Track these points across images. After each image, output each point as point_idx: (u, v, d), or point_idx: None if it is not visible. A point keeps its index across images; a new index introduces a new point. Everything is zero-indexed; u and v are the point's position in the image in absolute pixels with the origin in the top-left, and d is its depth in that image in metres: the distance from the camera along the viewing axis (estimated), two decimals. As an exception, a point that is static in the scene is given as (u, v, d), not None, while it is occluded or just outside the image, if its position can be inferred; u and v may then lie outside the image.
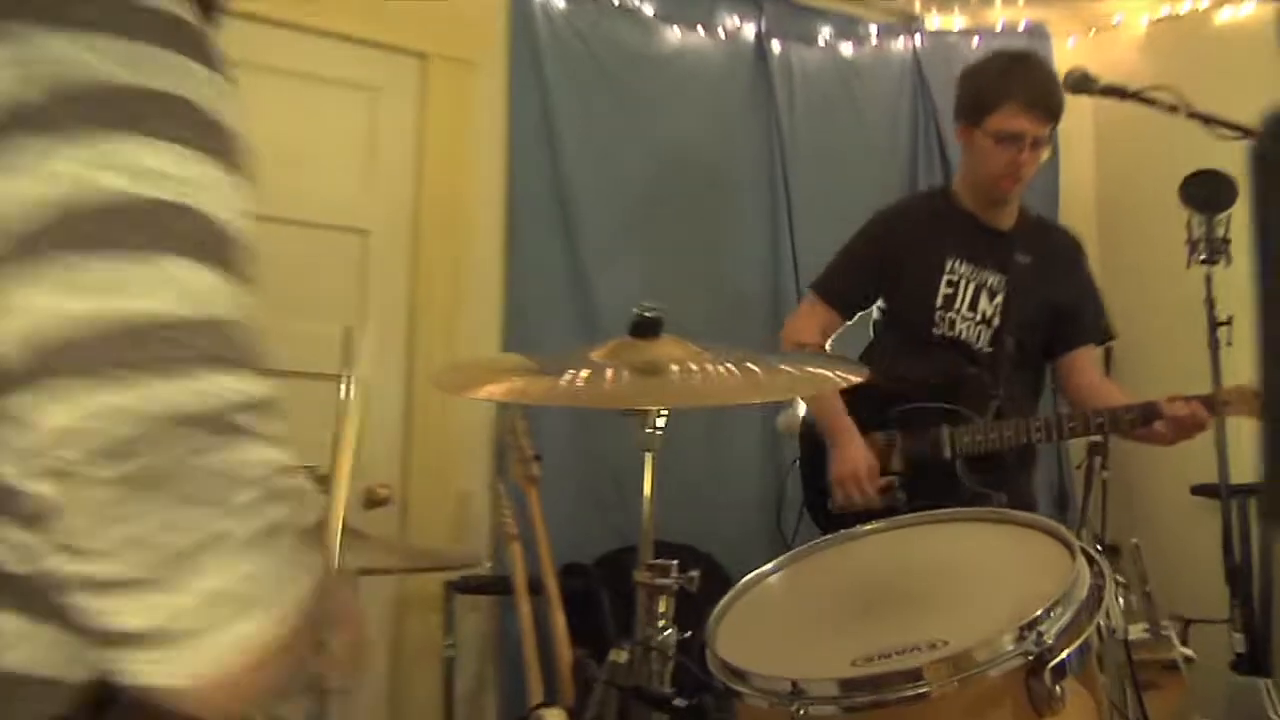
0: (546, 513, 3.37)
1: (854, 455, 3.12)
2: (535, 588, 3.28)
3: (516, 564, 3.26)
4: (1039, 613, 1.58)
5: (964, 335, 3.21)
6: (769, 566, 2.03)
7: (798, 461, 3.36)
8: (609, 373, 1.97)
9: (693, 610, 1.97)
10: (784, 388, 2.23)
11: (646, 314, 2.00)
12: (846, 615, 1.81)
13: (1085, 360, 3.39)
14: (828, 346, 3.34)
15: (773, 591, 1.98)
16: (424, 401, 3.86)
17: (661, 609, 1.95)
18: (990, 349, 3.21)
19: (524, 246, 4.04)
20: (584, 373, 1.98)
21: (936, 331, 3.23)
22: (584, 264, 4.12)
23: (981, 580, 1.82)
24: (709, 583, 2.01)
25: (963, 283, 3.23)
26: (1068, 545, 1.77)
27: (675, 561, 1.97)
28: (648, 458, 2.04)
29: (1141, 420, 3.04)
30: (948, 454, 3.13)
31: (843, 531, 2.12)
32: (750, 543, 4.00)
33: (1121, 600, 2.52)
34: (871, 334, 3.41)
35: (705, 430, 4.23)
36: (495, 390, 2.06)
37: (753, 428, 4.31)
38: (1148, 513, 4.62)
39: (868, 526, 2.12)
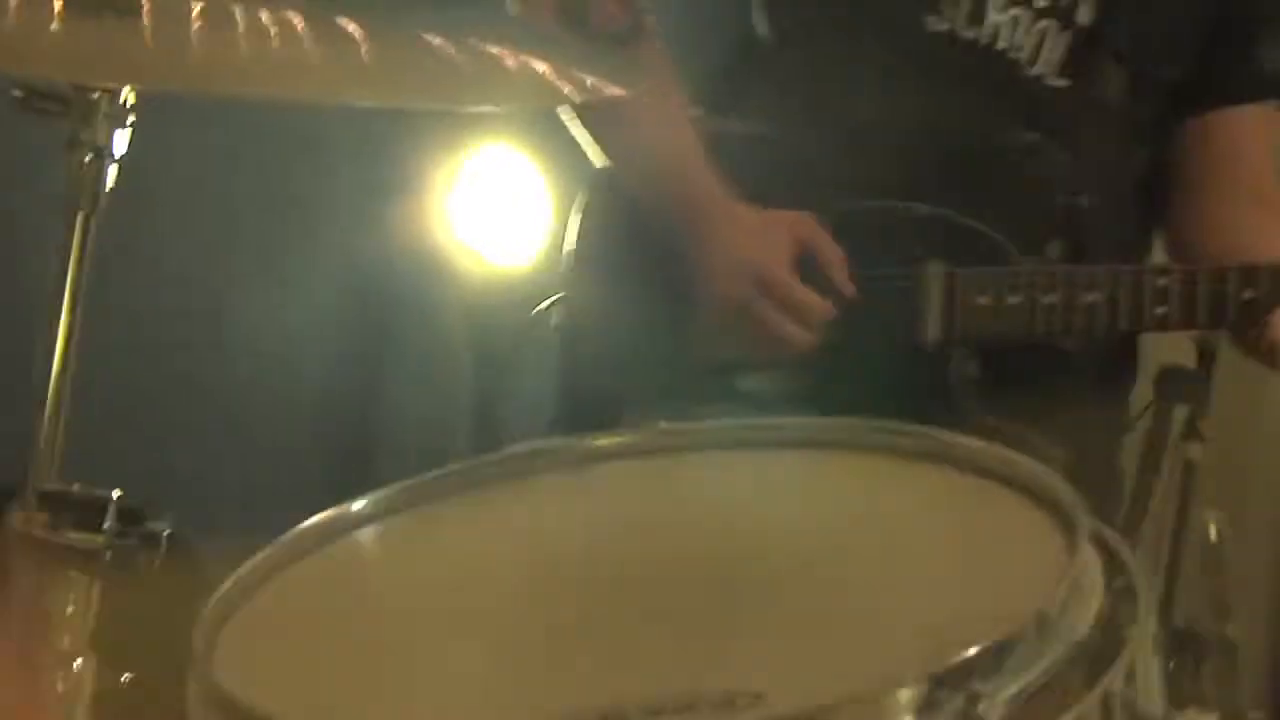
0: None
1: (750, 230, 1.51)
2: None
3: None
4: (974, 653, 0.85)
5: (1005, 41, 1.58)
6: (320, 519, 1.07)
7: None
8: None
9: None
10: (438, 90, 1.08)
11: None
12: (523, 632, 1.01)
13: (1241, 136, 1.66)
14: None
15: (332, 576, 1.06)
16: None
17: (68, 609, 0.99)
18: (1067, 82, 1.59)
19: None
20: None
21: (937, 25, 1.57)
22: None
23: (858, 576, 1.05)
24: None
25: None
26: (1068, 523, 0.98)
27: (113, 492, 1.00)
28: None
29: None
30: (932, 334, 1.53)
31: (516, 448, 1.16)
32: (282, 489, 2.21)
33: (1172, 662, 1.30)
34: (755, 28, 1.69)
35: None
36: None
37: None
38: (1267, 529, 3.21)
39: (602, 440, 1.16)
